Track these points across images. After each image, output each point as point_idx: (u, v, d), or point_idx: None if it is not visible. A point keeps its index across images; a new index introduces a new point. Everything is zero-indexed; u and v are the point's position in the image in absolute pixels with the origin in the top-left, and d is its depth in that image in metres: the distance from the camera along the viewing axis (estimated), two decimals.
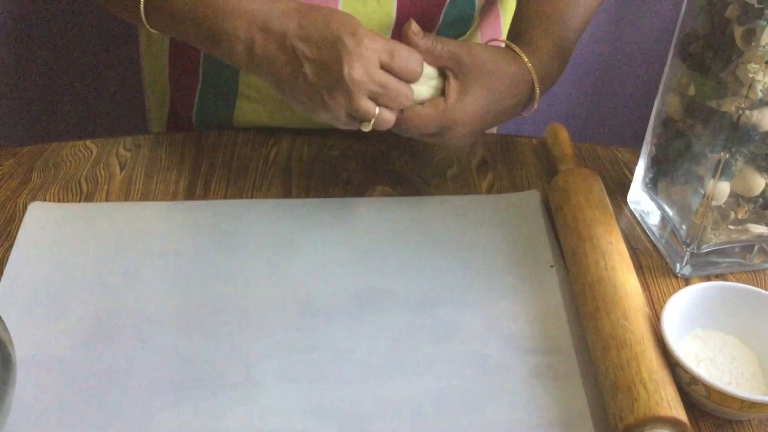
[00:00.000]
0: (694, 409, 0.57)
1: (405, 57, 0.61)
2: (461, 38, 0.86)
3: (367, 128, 0.63)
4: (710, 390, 0.55)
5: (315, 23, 0.60)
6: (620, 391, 0.54)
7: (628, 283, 0.63)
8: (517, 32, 0.74)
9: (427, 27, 0.81)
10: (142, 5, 0.65)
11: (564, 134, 0.82)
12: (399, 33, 0.79)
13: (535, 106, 0.70)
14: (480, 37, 0.90)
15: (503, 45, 0.70)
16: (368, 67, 0.59)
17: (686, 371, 0.55)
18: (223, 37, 0.63)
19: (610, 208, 0.71)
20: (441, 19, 0.81)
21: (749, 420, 0.58)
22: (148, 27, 0.67)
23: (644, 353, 0.56)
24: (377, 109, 0.62)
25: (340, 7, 0.77)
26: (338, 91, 0.60)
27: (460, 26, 0.85)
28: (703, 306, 0.61)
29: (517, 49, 0.69)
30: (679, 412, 0.53)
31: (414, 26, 0.64)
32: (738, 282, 0.66)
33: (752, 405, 0.54)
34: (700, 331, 0.61)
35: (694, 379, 0.55)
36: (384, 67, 0.60)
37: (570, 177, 0.74)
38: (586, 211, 0.70)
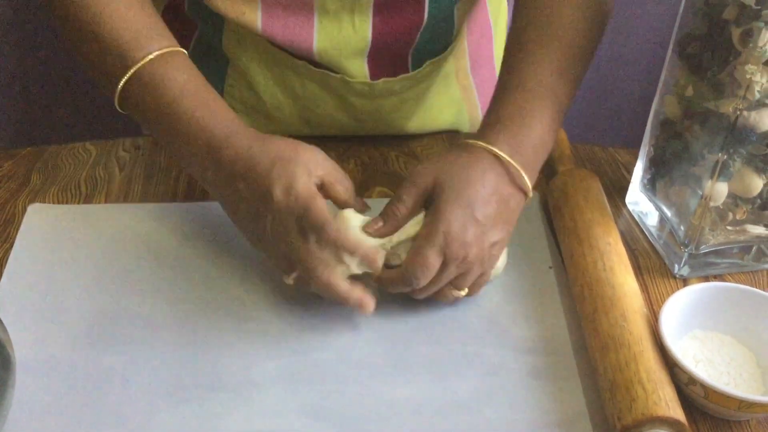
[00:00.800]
0: (692, 409, 0.57)
1: (315, 216, 0.58)
2: (442, 55, 0.83)
3: (287, 280, 0.61)
4: (708, 390, 0.55)
5: (257, 172, 0.60)
6: (619, 391, 0.55)
7: (626, 283, 0.63)
8: (501, 102, 0.67)
9: (402, 49, 0.80)
10: (117, 93, 0.65)
11: (562, 135, 0.83)
12: (374, 56, 0.79)
13: (530, 194, 0.64)
14: (467, 49, 0.89)
15: (477, 144, 0.63)
16: (285, 227, 0.59)
17: (684, 372, 0.55)
18: (182, 155, 0.64)
19: (609, 209, 0.72)
20: (417, 40, 0.80)
21: (747, 420, 0.58)
22: (117, 107, 0.67)
23: (642, 353, 0.56)
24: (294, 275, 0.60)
25: (315, 34, 0.77)
26: (258, 242, 0.62)
27: (437, 44, 0.83)
28: (702, 307, 0.61)
29: (494, 149, 0.62)
30: (677, 413, 0.53)
31: (370, 225, 0.61)
32: (736, 283, 0.66)
33: (750, 405, 0.54)
34: (699, 332, 0.62)
35: (692, 380, 0.55)
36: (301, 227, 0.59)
37: (568, 178, 0.74)
38: (585, 212, 0.70)
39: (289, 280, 0.61)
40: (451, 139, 0.87)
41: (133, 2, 0.66)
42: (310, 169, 0.59)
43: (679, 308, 0.60)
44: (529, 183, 0.63)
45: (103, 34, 0.65)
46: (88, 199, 0.75)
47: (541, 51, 0.68)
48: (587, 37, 0.70)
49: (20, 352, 0.55)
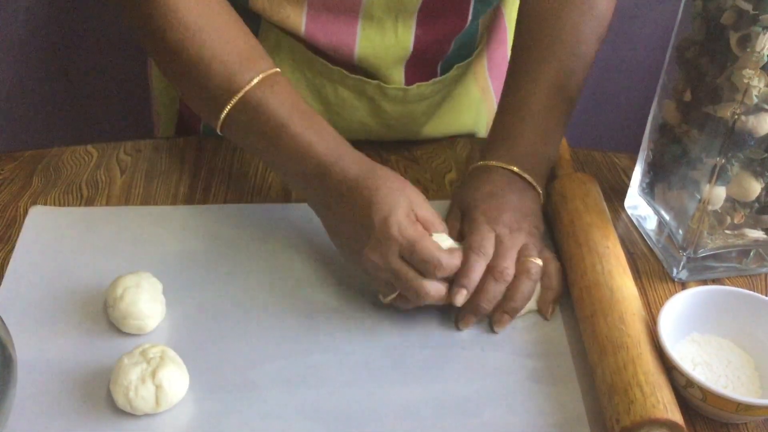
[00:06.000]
0: (690, 412, 0.58)
1: (426, 252, 0.60)
2: (467, 60, 0.87)
3: (385, 300, 0.64)
4: (706, 393, 0.55)
5: (361, 195, 0.61)
6: (617, 393, 0.55)
7: (625, 287, 0.63)
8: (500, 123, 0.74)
9: (438, 55, 0.83)
10: (222, 118, 0.65)
11: (562, 140, 0.83)
12: (414, 63, 0.81)
13: (538, 189, 0.71)
14: (486, 56, 0.91)
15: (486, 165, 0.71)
16: (386, 254, 0.60)
17: (682, 374, 0.56)
18: (287, 174, 0.66)
19: (608, 213, 0.72)
20: (451, 48, 0.83)
21: (745, 423, 0.58)
22: (218, 132, 0.67)
23: (641, 356, 0.57)
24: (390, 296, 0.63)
25: (358, 41, 0.78)
26: (356, 261, 0.63)
27: (464, 50, 0.86)
28: (700, 310, 0.62)
29: (493, 163, 0.70)
30: (676, 415, 0.54)
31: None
32: (734, 286, 0.66)
33: (748, 408, 0.54)
34: (697, 335, 0.62)
35: (690, 383, 0.56)
36: (404, 256, 0.61)
37: (567, 182, 0.74)
38: (584, 215, 0.70)
39: (387, 301, 0.63)
40: (467, 143, 0.88)
41: (233, 20, 0.67)
42: (411, 206, 0.61)
43: (678, 311, 0.61)
44: (531, 179, 0.70)
45: (206, 58, 0.64)
46: (89, 202, 0.76)
47: (539, 70, 0.73)
48: (586, 49, 0.74)
49: (22, 353, 0.55)
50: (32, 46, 1.28)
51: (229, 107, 0.64)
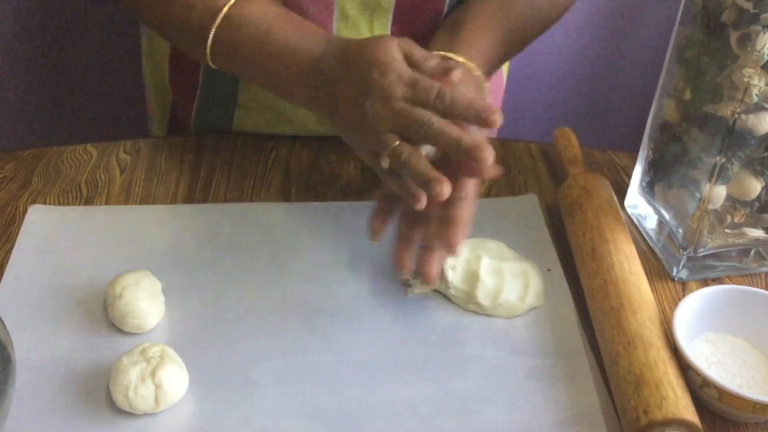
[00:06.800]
0: (705, 411, 0.57)
1: (427, 82, 0.59)
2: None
3: (384, 164, 0.61)
4: (722, 393, 0.55)
5: (353, 54, 0.61)
6: (647, 387, 0.55)
7: (647, 290, 0.63)
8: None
9: None
10: (209, 44, 0.67)
11: (574, 140, 0.82)
12: None
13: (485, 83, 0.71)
14: None
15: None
16: (389, 98, 0.59)
17: (698, 374, 0.56)
18: (284, 81, 0.66)
19: (622, 215, 0.72)
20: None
21: (755, 423, 0.58)
22: (211, 64, 0.69)
23: (672, 359, 0.57)
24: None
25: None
26: (362, 132, 0.62)
27: None
28: (714, 309, 0.62)
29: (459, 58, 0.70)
30: (696, 417, 0.54)
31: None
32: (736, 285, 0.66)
33: (764, 407, 0.54)
34: (711, 335, 0.62)
35: (706, 382, 0.55)
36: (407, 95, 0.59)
37: (591, 178, 0.74)
38: (609, 215, 0.70)
39: (386, 163, 0.60)
40: None
41: None
42: (398, 47, 0.60)
43: (692, 311, 0.61)
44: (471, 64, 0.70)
45: None
46: (88, 201, 0.75)
47: (487, 23, 0.75)
48: (539, 17, 0.78)
49: (21, 353, 0.55)
50: (32, 46, 1.28)
51: (214, 29, 0.66)
